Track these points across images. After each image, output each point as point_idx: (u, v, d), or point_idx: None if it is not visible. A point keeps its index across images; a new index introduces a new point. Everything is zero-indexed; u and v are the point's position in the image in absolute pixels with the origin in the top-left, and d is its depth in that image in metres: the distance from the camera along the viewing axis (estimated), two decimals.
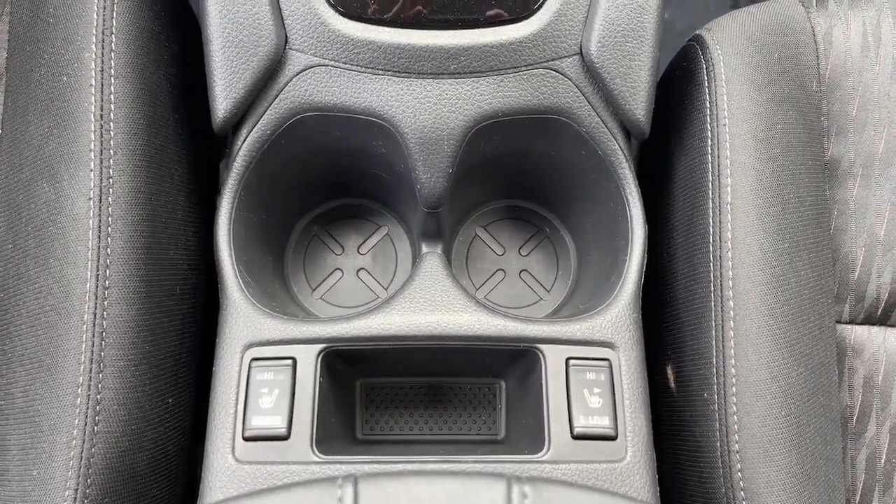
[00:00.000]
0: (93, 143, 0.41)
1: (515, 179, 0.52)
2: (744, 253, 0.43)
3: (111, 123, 0.41)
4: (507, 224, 0.55)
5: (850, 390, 0.46)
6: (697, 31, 0.49)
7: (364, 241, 0.54)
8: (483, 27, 0.42)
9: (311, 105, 0.44)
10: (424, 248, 0.48)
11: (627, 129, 0.46)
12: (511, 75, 0.43)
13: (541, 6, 0.43)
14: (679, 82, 0.49)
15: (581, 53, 0.44)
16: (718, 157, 0.44)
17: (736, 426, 0.41)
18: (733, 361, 0.42)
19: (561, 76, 0.44)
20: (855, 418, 0.46)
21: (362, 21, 0.43)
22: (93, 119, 0.41)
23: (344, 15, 0.43)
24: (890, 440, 0.46)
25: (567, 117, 0.45)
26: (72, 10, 0.43)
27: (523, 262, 0.54)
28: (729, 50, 0.47)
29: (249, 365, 0.42)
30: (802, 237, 0.45)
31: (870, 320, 0.47)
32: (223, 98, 0.44)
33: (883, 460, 0.46)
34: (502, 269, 0.54)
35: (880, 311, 0.46)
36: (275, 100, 0.44)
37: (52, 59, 0.43)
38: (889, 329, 0.47)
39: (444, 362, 0.47)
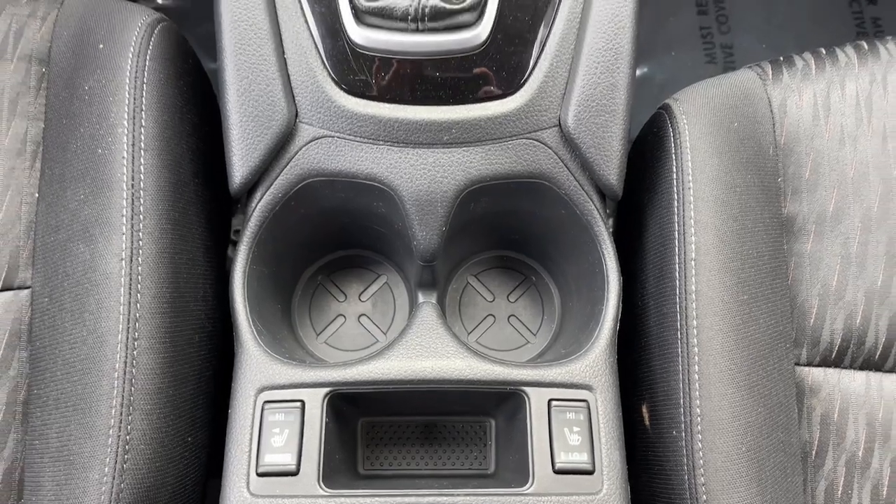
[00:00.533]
0: (124, 210, 0.46)
1: (504, 233, 0.57)
2: (706, 304, 0.47)
3: (141, 192, 0.46)
4: (497, 273, 0.60)
5: (809, 427, 0.51)
6: (666, 101, 0.54)
7: (365, 290, 0.59)
8: (472, 103, 0.48)
9: (319, 171, 0.49)
10: (420, 297, 0.53)
11: (602, 192, 0.51)
12: (497, 145, 0.48)
13: (523, 84, 0.48)
14: (650, 147, 0.55)
15: (559, 125, 0.49)
16: (684, 216, 0.49)
17: (701, 461, 0.45)
18: (698, 402, 0.46)
19: (542, 145, 0.49)
20: (814, 452, 0.50)
21: (364, 98, 0.48)
22: (125, 188, 0.46)
23: (348, 92, 0.48)
24: (846, 473, 0.50)
25: (548, 181, 0.50)
26: (106, 90, 0.48)
27: (511, 307, 0.59)
28: (694, 119, 0.52)
29: (262, 407, 0.46)
30: (761, 288, 0.50)
31: (825, 363, 0.51)
32: (240, 166, 0.49)
33: (840, 492, 0.50)
34: (492, 315, 0.58)
35: (834, 354, 0.51)
36: (286, 167, 0.49)
37: (88, 132, 0.48)
38: (842, 370, 0.51)
39: (438, 403, 0.51)
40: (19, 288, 0.49)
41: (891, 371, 0.51)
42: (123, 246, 0.45)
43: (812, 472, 0.50)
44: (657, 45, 0.99)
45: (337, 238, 0.58)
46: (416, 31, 0.46)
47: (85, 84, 0.50)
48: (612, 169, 0.50)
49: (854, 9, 1.01)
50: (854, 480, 0.50)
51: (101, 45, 0.50)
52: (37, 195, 0.50)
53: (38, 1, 0.53)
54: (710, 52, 0.98)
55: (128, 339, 0.44)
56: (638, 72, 0.98)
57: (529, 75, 0.48)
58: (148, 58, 0.49)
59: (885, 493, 0.50)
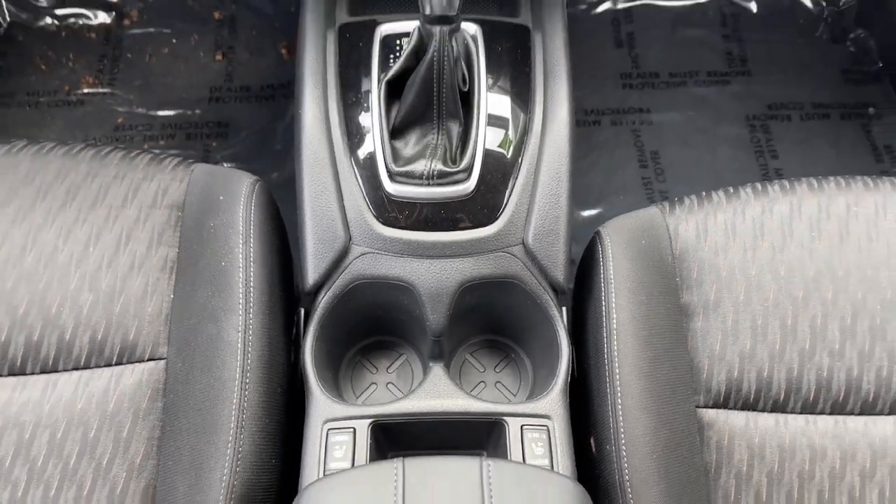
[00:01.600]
0: (240, 301, 0.69)
1: (489, 321, 0.80)
2: (625, 361, 0.69)
3: (251, 289, 0.70)
4: (486, 351, 0.82)
5: (708, 451, 0.71)
6: (599, 228, 0.79)
7: (391, 364, 0.81)
8: (464, 230, 0.72)
9: (364, 276, 0.74)
10: (431, 364, 0.76)
11: (555, 288, 0.76)
12: (482, 256, 0.73)
13: (498, 218, 0.73)
14: (589, 258, 0.79)
15: (523, 244, 0.74)
16: (607, 303, 0.72)
17: (626, 465, 0.66)
18: (622, 426, 0.67)
19: (512, 256, 0.74)
20: (713, 470, 0.71)
21: (395, 228, 0.72)
22: (240, 286, 0.70)
23: (384, 224, 0.72)
24: (735, 484, 0.70)
25: (517, 280, 0.74)
26: (226, 225, 0.73)
27: (497, 376, 0.81)
28: (615, 238, 0.76)
29: (327, 433, 0.68)
30: (665, 351, 0.72)
31: (716, 405, 0.72)
32: (312, 273, 0.73)
33: (732, 498, 0.70)
34: (483, 381, 0.81)
35: (721, 399, 0.72)
36: (342, 274, 0.74)
37: (213, 253, 0.73)
38: (729, 411, 0.72)
39: (444, 439, 0.72)
40: (159, 359, 0.72)
41: (762, 410, 0.73)
42: (240, 323, 0.69)
43: (713, 484, 0.70)
44: (609, 191, 1.28)
45: (372, 327, 0.81)
46: (429, 185, 0.72)
47: (210, 223, 0.75)
48: (559, 272, 0.74)
49: (760, 162, 1.31)
50: (742, 490, 0.70)
51: (221, 197, 0.76)
52: (172, 296, 0.74)
53: (177, 169, 0.80)
54: (650, 195, 1.27)
55: (241, 383, 0.66)
56: (594, 211, 1.26)
57: (501, 212, 0.73)
58: (252, 204, 0.75)
59: (764, 497, 0.70)
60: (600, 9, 1.45)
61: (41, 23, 1.43)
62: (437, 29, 0.66)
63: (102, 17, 1.44)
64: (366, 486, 0.51)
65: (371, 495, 0.50)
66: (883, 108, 1.36)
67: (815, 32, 1.44)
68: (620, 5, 1.45)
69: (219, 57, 1.40)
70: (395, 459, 0.53)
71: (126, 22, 1.43)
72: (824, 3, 1.46)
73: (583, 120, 1.33)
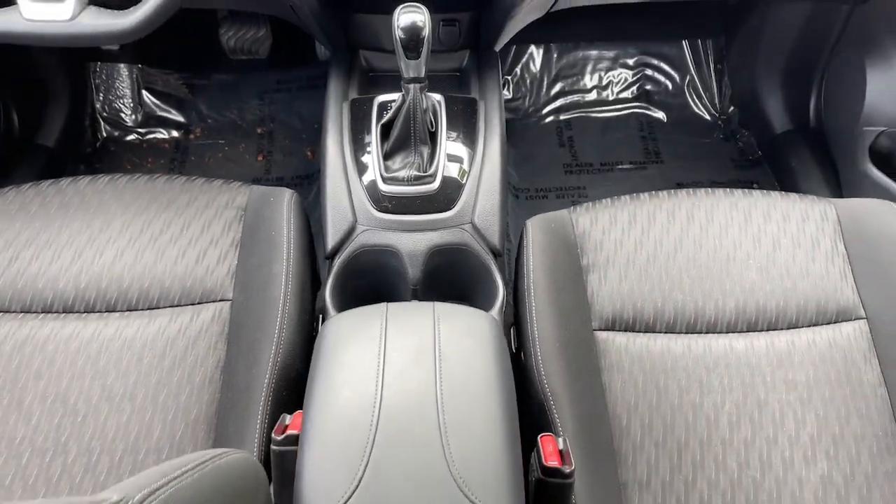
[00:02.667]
0: (283, 260, 1.02)
1: (451, 287, 1.16)
2: (540, 301, 1.01)
3: (291, 254, 1.05)
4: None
5: (602, 357, 1.04)
6: (527, 221, 1.17)
7: None
8: (432, 214, 1.10)
9: (365, 245, 1.10)
10: None
11: (494, 252, 1.12)
12: (444, 231, 1.10)
13: (454, 206, 1.11)
14: (521, 238, 1.15)
15: (472, 222, 1.12)
16: (528, 263, 1.07)
17: (541, 365, 0.98)
18: (538, 336, 1.01)
19: (464, 231, 1.11)
20: (605, 369, 1.03)
21: (387, 213, 1.11)
22: (284, 253, 1.04)
23: (378, 210, 1.11)
24: (619, 377, 1.03)
25: (467, 247, 1.11)
26: (275, 218, 1.10)
27: None
28: (536, 226, 1.13)
29: None
30: (570, 296, 1.05)
31: (607, 328, 1.04)
32: (331, 243, 1.10)
33: (617, 387, 1.02)
34: None
35: (610, 323, 1.04)
36: (350, 244, 1.11)
37: (265, 233, 1.09)
38: (616, 332, 1.05)
39: None
40: (225, 300, 1.07)
41: (637, 331, 1.05)
42: (283, 270, 1.03)
43: (605, 378, 1.02)
44: None
45: (370, 293, 1.16)
46: (408, 184, 1.11)
47: (264, 216, 1.13)
48: (496, 241, 1.11)
49: None
50: (624, 381, 1.02)
51: (272, 199, 1.15)
52: (236, 262, 1.11)
53: (241, 187, 1.19)
54: None
55: (283, 302, 0.99)
56: None
57: (456, 203, 1.11)
58: (291, 206, 1.13)
59: (640, 385, 1.02)
60: (547, 120, 1.92)
61: (128, 137, 1.91)
62: (412, 86, 1.08)
63: (174, 133, 1.92)
64: (361, 315, 0.86)
65: (365, 319, 0.85)
66: (764, 184, 1.78)
67: (712, 134, 1.90)
68: (562, 117, 1.92)
69: (260, 158, 1.86)
70: (382, 304, 0.87)
71: (191, 136, 1.91)
72: (717, 114, 1.94)
73: (534, 195, 1.75)
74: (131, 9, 0.91)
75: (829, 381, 1.01)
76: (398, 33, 0.98)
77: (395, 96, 1.19)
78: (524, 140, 1.83)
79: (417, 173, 1.11)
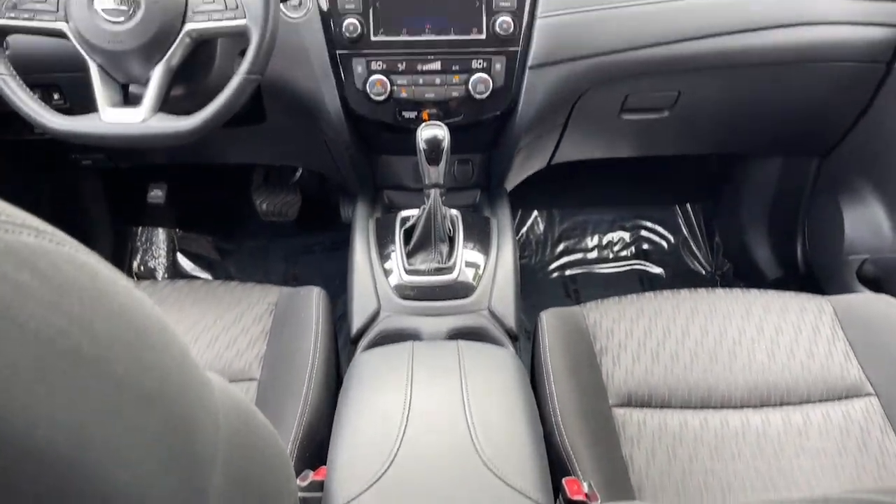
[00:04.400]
0: (311, 345, 1.11)
1: None
2: (559, 380, 1.08)
3: (318, 339, 1.12)
4: None
5: (622, 432, 1.06)
6: (541, 313, 1.24)
7: None
8: (453, 300, 1.19)
9: (388, 329, 1.17)
10: None
11: (510, 335, 1.17)
12: (462, 315, 1.17)
13: (472, 294, 1.20)
14: (535, 331, 1.22)
15: (489, 308, 1.19)
16: (544, 352, 1.13)
17: (566, 437, 1.00)
18: (560, 415, 1.04)
19: (481, 315, 1.17)
20: (625, 442, 1.04)
21: (409, 300, 1.19)
22: (311, 339, 1.12)
23: (402, 298, 1.19)
24: (640, 448, 1.03)
25: (485, 330, 1.16)
26: (303, 309, 1.19)
27: None
28: (550, 320, 1.21)
29: None
30: (586, 377, 1.11)
31: (623, 405, 1.09)
32: (355, 328, 1.17)
33: (637, 456, 1.02)
34: None
35: (627, 400, 1.09)
36: (374, 328, 1.17)
37: (293, 326, 1.17)
38: (632, 408, 1.09)
39: None
40: (253, 379, 1.11)
41: (653, 407, 1.09)
42: (310, 350, 1.10)
43: (626, 451, 1.03)
44: None
45: None
46: (430, 275, 1.20)
47: (293, 309, 1.21)
48: (511, 324, 1.17)
49: None
50: (644, 450, 1.03)
51: (301, 293, 1.23)
52: (265, 348, 1.16)
53: (273, 288, 1.29)
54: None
55: (309, 378, 1.05)
56: None
57: (474, 291, 1.20)
58: (319, 302, 1.22)
59: (658, 454, 1.02)
60: (554, 275, 2.05)
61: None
62: (433, 190, 1.22)
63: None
64: (390, 348, 0.90)
65: (394, 351, 0.89)
66: None
67: (710, 286, 2.01)
68: (567, 272, 2.05)
69: None
70: (409, 342, 0.92)
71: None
72: (712, 269, 2.07)
73: None
74: (193, 114, 1.07)
75: (851, 450, 1.02)
76: (421, 144, 1.14)
77: (415, 211, 1.33)
78: (532, 291, 1.94)
79: (438, 265, 1.20)
